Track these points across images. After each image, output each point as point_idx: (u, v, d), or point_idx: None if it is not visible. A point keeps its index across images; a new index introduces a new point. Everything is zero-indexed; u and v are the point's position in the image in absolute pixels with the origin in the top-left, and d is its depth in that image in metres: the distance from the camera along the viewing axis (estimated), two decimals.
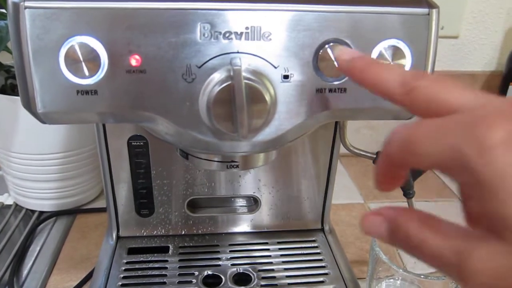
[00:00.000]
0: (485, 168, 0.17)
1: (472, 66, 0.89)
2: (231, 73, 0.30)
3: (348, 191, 0.81)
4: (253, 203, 0.58)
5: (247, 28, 0.31)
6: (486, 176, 0.17)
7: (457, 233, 0.19)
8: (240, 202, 0.58)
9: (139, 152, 0.51)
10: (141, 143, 0.50)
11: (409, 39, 0.33)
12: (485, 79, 0.90)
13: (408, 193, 0.48)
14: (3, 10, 0.58)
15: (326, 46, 0.32)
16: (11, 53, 0.59)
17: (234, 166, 0.38)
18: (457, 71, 0.88)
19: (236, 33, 0.31)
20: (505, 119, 0.17)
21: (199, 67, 0.31)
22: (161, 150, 0.51)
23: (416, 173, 0.47)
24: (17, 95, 0.57)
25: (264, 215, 0.57)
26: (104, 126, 0.48)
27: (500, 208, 0.17)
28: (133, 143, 0.50)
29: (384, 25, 0.33)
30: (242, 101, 0.29)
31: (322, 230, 0.59)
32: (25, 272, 0.56)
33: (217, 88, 0.30)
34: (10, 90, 0.62)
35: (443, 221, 0.20)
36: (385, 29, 0.33)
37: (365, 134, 0.90)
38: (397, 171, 0.23)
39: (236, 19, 0.31)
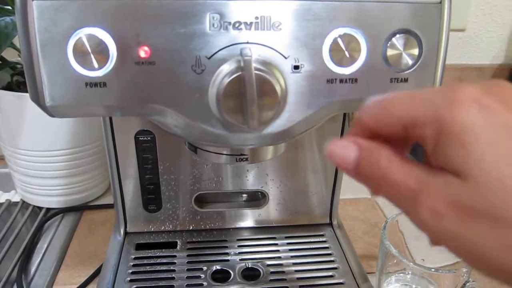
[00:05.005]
0: (452, 118, 0.20)
1: (479, 59, 0.88)
2: (241, 64, 0.29)
3: (355, 186, 0.80)
4: (261, 197, 0.57)
5: (256, 18, 0.30)
6: (454, 125, 0.20)
7: (420, 166, 0.21)
8: (248, 197, 0.58)
9: (146, 147, 0.50)
10: (148, 138, 0.50)
11: (421, 28, 0.32)
12: (493, 72, 0.89)
13: None
14: (8, 7, 0.58)
15: (337, 36, 0.32)
16: (16, 49, 0.60)
17: (243, 159, 0.38)
18: (464, 64, 0.88)
19: (245, 23, 0.30)
20: (474, 87, 0.20)
21: (209, 58, 0.30)
22: (169, 145, 0.51)
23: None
24: (23, 91, 0.58)
25: (272, 210, 0.57)
26: (111, 121, 0.48)
27: (460, 152, 0.19)
28: (140, 138, 0.50)
29: (395, 14, 0.32)
30: (252, 92, 0.29)
31: (331, 224, 0.59)
32: (33, 269, 0.56)
33: (227, 80, 0.30)
34: (16, 86, 0.62)
35: (409, 158, 0.22)
36: (396, 18, 0.32)
37: None
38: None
39: (245, 9, 0.30)
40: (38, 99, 0.31)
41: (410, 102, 0.22)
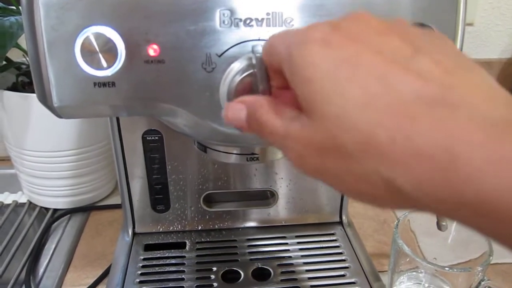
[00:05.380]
0: (298, 55, 0.21)
1: (488, 53, 0.87)
2: (253, 61, 0.29)
3: None
4: (270, 196, 0.57)
5: (268, 14, 0.30)
6: (299, 62, 0.21)
7: (290, 113, 0.22)
8: (257, 196, 0.57)
9: (154, 146, 0.50)
10: (156, 138, 0.49)
11: (436, 23, 0.31)
12: (502, 66, 0.88)
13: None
14: (13, 7, 0.58)
15: None
16: (21, 50, 0.59)
17: (254, 159, 0.37)
18: (473, 59, 0.86)
19: (257, 19, 0.30)
20: (325, 24, 0.22)
21: (219, 55, 0.30)
22: (176, 144, 0.50)
23: None
24: (28, 92, 0.57)
25: (281, 209, 0.57)
26: (118, 121, 0.47)
27: (305, 90, 0.20)
28: (147, 138, 0.49)
29: (409, 8, 0.31)
30: (265, 89, 0.28)
31: (341, 223, 0.58)
32: (41, 270, 0.56)
33: (238, 78, 0.29)
34: (21, 87, 0.61)
35: (284, 106, 0.23)
36: (411, 13, 0.31)
37: None
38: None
39: (256, 5, 0.29)
40: (45, 100, 0.30)
41: (281, 39, 0.23)
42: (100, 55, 0.29)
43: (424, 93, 0.18)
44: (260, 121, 0.24)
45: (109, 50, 0.29)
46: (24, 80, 0.63)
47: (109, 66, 0.29)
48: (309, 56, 0.20)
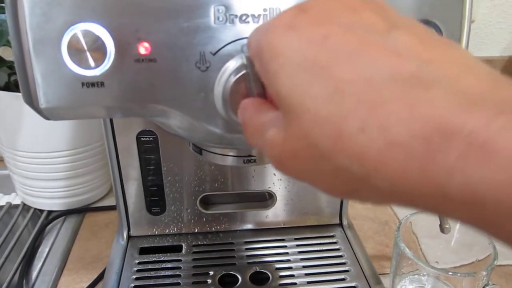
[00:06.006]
0: (265, 46, 0.20)
1: (489, 51, 0.86)
2: (244, 61, 0.27)
3: None
4: (268, 198, 0.55)
5: (265, 10, 0.28)
6: (266, 52, 0.19)
7: (270, 116, 0.22)
8: (255, 198, 0.56)
9: (149, 148, 0.49)
10: (151, 139, 0.48)
11: (442, 19, 0.30)
12: (503, 64, 0.86)
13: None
14: (3, 4, 0.56)
15: None
16: None
17: (251, 161, 0.36)
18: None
19: (253, 15, 0.28)
20: (292, 9, 0.20)
21: (214, 54, 0.28)
22: (172, 145, 0.49)
23: None
24: None
25: (280, 211, 0.55)
26: (111, 122, 0.46)
27: (274, 84, 0.19)
28: (142, 139, 0.48)
29: (414, 4, 0.30)
30: (259, 90, 0.27)
31: (341, 225, 0.57)
32: (34, 273, 0.55)
33: (233, 78, 0.28)
34: (14, 86, 0.60)
35: (269, 108, 0.23)
36: (416, 8, 0.30)
37: None
38: None
39: (253, 0, 0.28)
40: (31, 101, 0.29)
41: (254, 33, 0.22)
42: (88, 54, 0.27)
43: (399, 71, 0.16)
44: (246, 129, 0.24)
45: (98, 48, 0.27)
46: (17, 80, 0.61)
47: (97, 66, 0.28)
48: (274, 44, 0.19)
